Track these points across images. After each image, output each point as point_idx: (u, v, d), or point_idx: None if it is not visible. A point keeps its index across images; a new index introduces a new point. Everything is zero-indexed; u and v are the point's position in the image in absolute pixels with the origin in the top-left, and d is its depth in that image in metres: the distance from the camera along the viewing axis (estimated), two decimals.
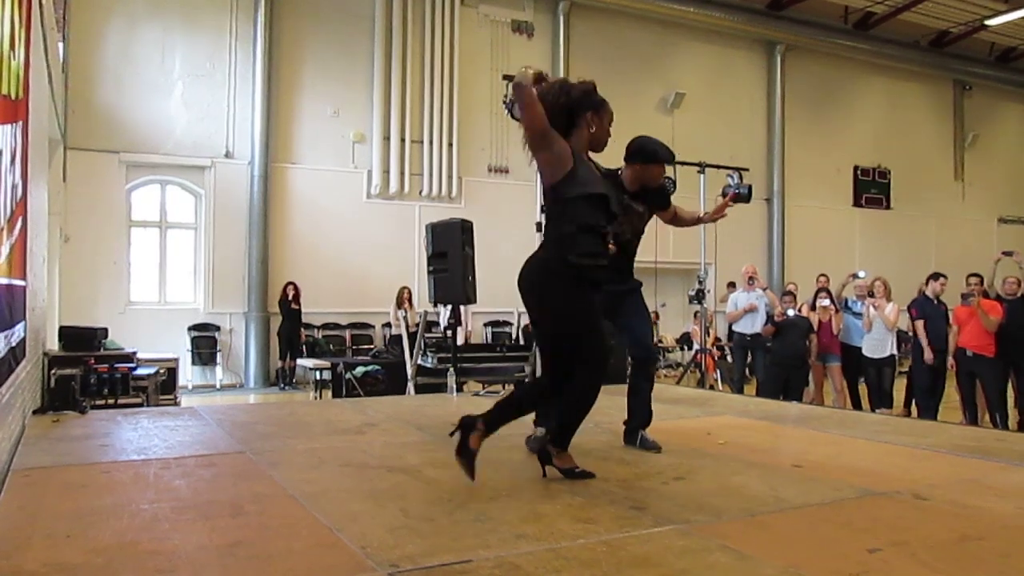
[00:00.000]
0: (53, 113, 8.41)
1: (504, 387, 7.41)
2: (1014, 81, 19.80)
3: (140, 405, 7.35)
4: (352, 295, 13.01)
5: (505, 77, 9.48)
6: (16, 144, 3.99)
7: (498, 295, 9.48)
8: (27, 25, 4.44)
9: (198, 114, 12.34)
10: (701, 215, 4.68)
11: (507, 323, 13.82)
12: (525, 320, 12.36)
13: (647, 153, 4.16)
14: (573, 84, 3.54)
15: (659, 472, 3.63)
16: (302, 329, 12.40)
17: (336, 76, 13.19)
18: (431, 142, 13.66)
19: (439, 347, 8.96)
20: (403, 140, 13.39)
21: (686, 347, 14.54)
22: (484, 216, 11.09)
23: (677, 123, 15.59)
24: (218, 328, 12.43)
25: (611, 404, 6.17)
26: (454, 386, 7.16)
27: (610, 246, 3.46)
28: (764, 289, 9.52)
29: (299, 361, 11.78)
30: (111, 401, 7.26)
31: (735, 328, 9.60)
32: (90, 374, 7.26)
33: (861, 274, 9.31)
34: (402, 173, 13.43)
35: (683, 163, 10.66)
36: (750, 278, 9.48)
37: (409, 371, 8.53)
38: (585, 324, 3.34)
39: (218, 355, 12.37)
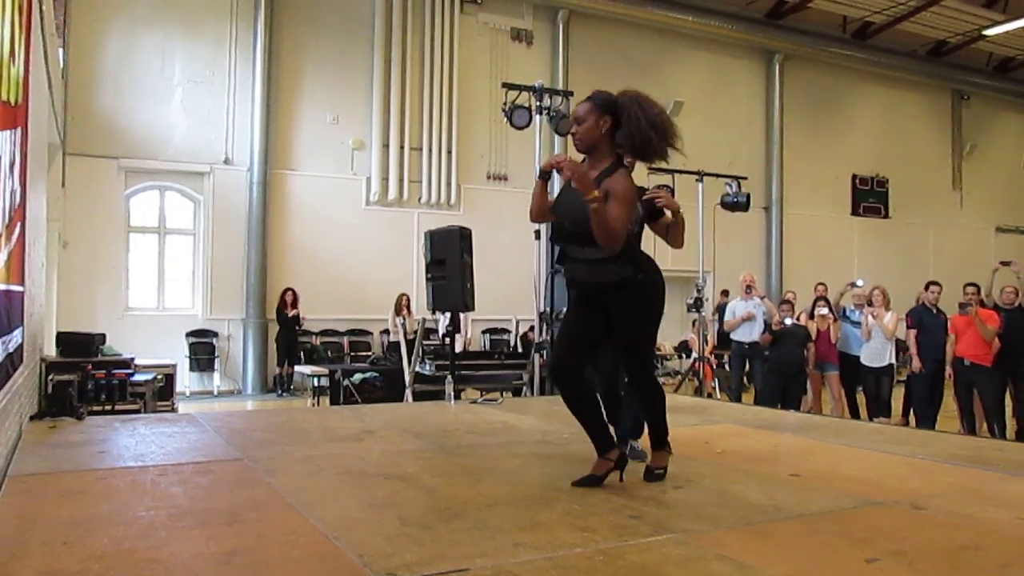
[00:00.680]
0: (52, 118, 8.41)
1: (502, 395, 7.39)
2: (1012, 91, 19.86)
3: (137, 411, 7.34)
4: (350, 302, 13.01)
5: (505, 85, 9.52)
6: (15, 150, 4.00)
7: (496, 303, 9.49)
8: (27, 31, 4.44)
9: (197, 120, 12.35)
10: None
11: (505, 331, 13.82)
12: (524, 327, 12.37)
13: None
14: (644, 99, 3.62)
15: (657, 481, 3.63)
16: (298, 334, 12.36)
17: (335, 83, 13.21)
18: (430, 149, 13.68)
19: (437, 354, 8.96)
20: (402, 147, 13.40)
21: (684, 355, 14.54)
22: (483, 224, 11.11)
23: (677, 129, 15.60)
24: (216, 334, 12.41)
25: None
26: (452, 393, 7.15)
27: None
28: (762, 298, 9.52)
29: (297, 368, 11.76)
30: (108, 407, 7.24)
31: (733, 336, 9.59)
32: (87, 380, 7.26)
33: (859, 283, 9.31)
34: (401, 180, 13.44)
35: (681, 171, 10.69)
36: (748, 286, 9.49)
37: (407, 378, 8.52)
38: (560, 330, 3.55)
39: (216, 361, 12.35)
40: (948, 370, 8.17)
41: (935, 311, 8.43)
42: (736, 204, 10.89)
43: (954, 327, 8.16)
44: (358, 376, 9.30)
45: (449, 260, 7.29)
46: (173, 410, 8.36)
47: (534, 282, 8.84)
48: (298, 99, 12.98)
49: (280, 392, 12.10)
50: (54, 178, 9.71)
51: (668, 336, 15.20)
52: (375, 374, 9.46)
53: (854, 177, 18.26)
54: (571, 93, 10.61)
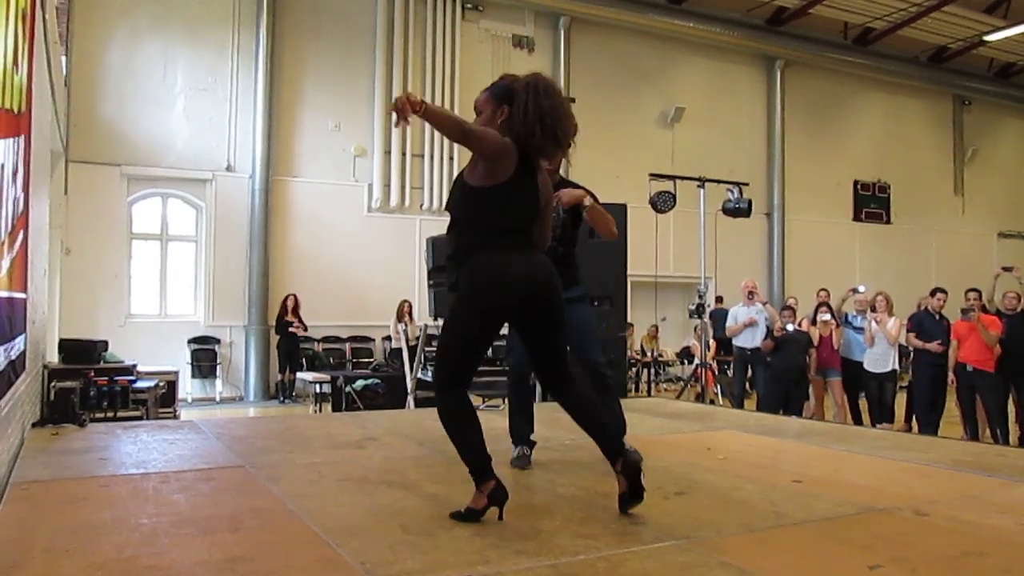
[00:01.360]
0: (55, 126, 8.44)
1: (504, 401, 7.39)
2: (1013, 96, 19.87)
3: (139, 418, 7.35)
4: (352, 308, 13.01)
5: None
6: (18, 157, 4.01)
7: None
8: (30, 39, 4.46)
9: (199, 127, 12.38)
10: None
11: (506, 337, 13.79)
12: None
13: None
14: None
15: (659, 487, 3.62)
16: (300, 341, 12.35)
17: (337, 90, 13.23)
18: (432, 156, 13.70)
19: None
20: (404, 154, 13.42)
21: (686, 361, 14.54)
22: None
23: (677, 138, 15.65)
24: (218, 341, 12.42)
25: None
26: None
27: None
28: (764, 303, 9.52)
29: (299, 374, 11.77)
30: (110, 414, 7.26)
31: (735, 342, 9.59)
32: (90, 387, 7.27)
33: (861, 289, 9.31)
34: (403, 187, 13.46)
35: (683, 178, 10.73)
36: (750, 292, 9.48)
37: (409, 385, 8.53)
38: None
39: (218, 368, 12.35)
40: (950, 376, 8.16)
41: (937, 317, 8.43)
42: (738, 210, 10.90)
43: (956, 333, 8.15)
44: (360, 383, 9.29)
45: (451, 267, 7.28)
46: (175, 417, 8.37)
47: None
48: (300, 106, 13.01)
49: (282, 399, 12.10)
50: (57, 185, 9.73)
51: (670, 342, 15.22)
52: (377, 381, 9.45)
53: (856, 183, 18.26)
54: (573, 100, 10.60)
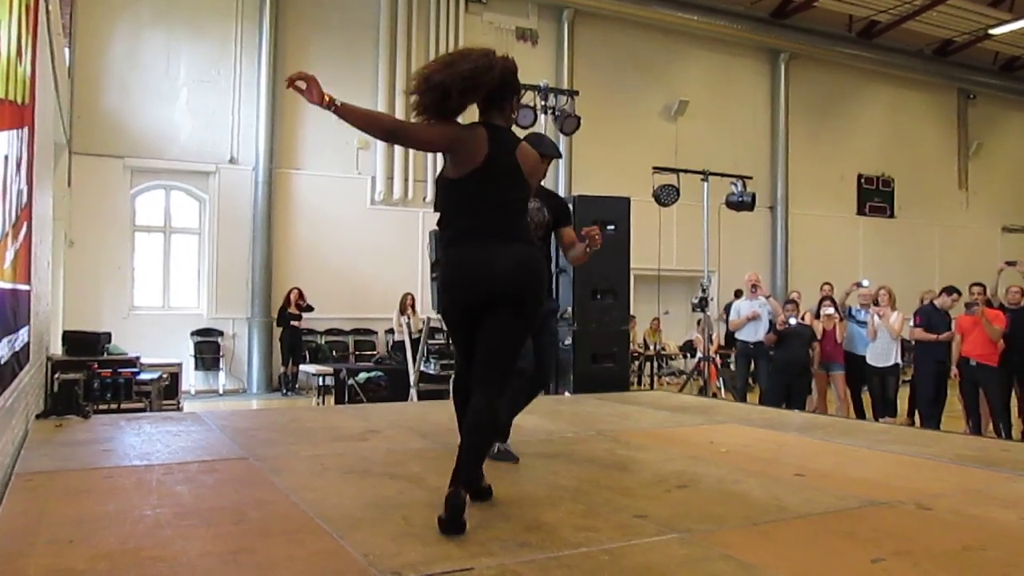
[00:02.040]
0: (58, 118, 8.44)
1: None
2: (1018, 90, 19.79)
3: (143, 410, 7.36)
4: (355, 301, 13.02)
5: None
6: (22, 149, 4.01)
7: None
8: (34, 32, 4.46)
9: (203, 120, 12.37)
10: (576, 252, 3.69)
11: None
12: None
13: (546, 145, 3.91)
14: (491, 57, 3.06)
15: (661, 480, 3.63)
16: (302, 333, 12.36)
17: (340, 82, 13.16)
18: None
19: (442, 354, 8.97)
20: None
21: (689, 355, 14.53)
22: None
23: (681, 131, 15.61)
24: (221, 333, 12.43)
25: (611, 411, 6.18)
26: None
27: None
28: (767, 297, 9.52)
29: (302, 367, 11.79)
30: (114, 406, 7.26)
31: (738, 336, 9.58)
32: (93, 379, 7.27)
33: (865, 283, 9.30)
34: (406, 180, 13.45)
35: (686, 171, 10.71)
36: (753, 286, 9.47)
37: (412, 377, 8.55)
38: (526, 338, 3.19)
39: (221, 360, 12.36)
40: (954, 370, 8.15)
41: (944, 312, 8.41)
42: (741, 204, 10.88)
43: (960, 327, 8.14)
44: (363, 375, 9.31)
45: None
46: (178, 409, 8.39)
47: None
48: (303, 99, 12.94)
49: (285, 391, 12.12)
50: (60, 177, 9.73)
51: (673, 335, 15.21)
52: (380, 373, 9.47)
53: (859, 177, 18.21)
54: (576, 92, 10.62)
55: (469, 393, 3.02)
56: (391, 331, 12.64)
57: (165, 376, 8.21)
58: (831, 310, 8.91)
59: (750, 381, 10.14)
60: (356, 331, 13.23)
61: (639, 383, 13.41)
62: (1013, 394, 8.14)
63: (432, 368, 8.77)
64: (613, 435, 4.53)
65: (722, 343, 12.45)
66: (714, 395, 10.15)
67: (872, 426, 6.47)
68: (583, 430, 5.05)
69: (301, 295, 12.15)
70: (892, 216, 18.54)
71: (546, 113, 9.60)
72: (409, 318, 10.85)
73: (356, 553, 2.47)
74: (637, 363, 13.65)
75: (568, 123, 9.95)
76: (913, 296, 9.83)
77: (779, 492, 3.39)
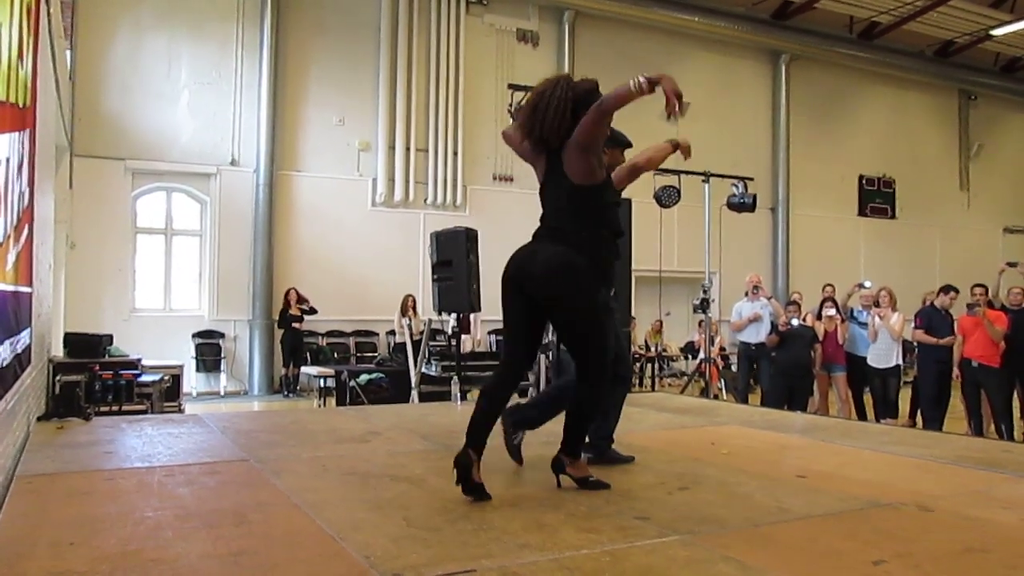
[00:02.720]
0: (60, 120, 8.44)
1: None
2: (1019, 91, 19.77)
3: (144, 412, 7.35)
4: (356, 303, 13.02)
5: (511, 86, 9.51)
6: (23, 152, 4.01)
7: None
8: (35, 34, 4.46)
9: (204, 122, 12.38)
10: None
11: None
12: None
13: (615, 137, 4.07)
14: (576, 80, 3.70)
15: (663, 482, 3.63)
16: (303, 335, 12.37)
17: (341, 85, 13.22)
18: (436, 151, 13.69)
19: (443, 355, 8.97)
20: (408, 148, 13.41)
21: (690, 356, 14.53)
22: (488, 224, 11.08)
23: (682, 132, 15.31)
24: (223, 335, 12.44)
25: None
26: (458, 394, 7.15)
27: None
28: (768, 298, 9.51)
29: (303, 369, 11.79)
30: (115, 408, 7.25)
31: (739, 337, 9.58)
32: (95, 381, 7.27)
33: (867, 284, 9.30)
34: (407, 181, 13.46)
35: (688, 172, 10.69)
36: (754, 287, 9.47)
37: (413, 379, 8.54)
38: (601, 327, 3.34)
39: (222, 362, 12.37)
40: (955, 371, 8.15)
41: (944, 312, 8.41)
42: (742, 205, 10.87)
43: (962, 328, 8.14)
44: (364, 377, 9.31)
45: (455, 261, 7.30)
46: (180, 411, 8.37)
47: None
48: (304, 101, 13.00)
49: (286, 393, 12.12)
50: (61, 179, 9.74)
51: (674, 337, 15.21)
52: (381, 375, 9.47)
53: (861, 178, 18.21)
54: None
55: (497, 395, 3.37)
56: (392, 333, 12.63)
57: (166, 378, 8.20)
58: (833, 311, 8.91)
59: (752, 382, 10.13)
60: (357, 333, 13.23)
61: (640, 384, 13.40)
62: (1015, 395, 8.13)
63: (433, 370, 8.76)
64: (616, 436, 4.52)
65: (722, 345, 12.43)
66: (716, 397, 10.14)
67: (874, 427, 6.46)
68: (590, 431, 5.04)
69: (299, 295, 12.15)
70: (893, 217, 18.53)
71: None
72: (410, 320, 10.85)
73: (357, 555, 2.47)
74: (639, 364, 13.65)
75: None
76: (914, 297, 9.83)
77: (781, 494, 3.39)
